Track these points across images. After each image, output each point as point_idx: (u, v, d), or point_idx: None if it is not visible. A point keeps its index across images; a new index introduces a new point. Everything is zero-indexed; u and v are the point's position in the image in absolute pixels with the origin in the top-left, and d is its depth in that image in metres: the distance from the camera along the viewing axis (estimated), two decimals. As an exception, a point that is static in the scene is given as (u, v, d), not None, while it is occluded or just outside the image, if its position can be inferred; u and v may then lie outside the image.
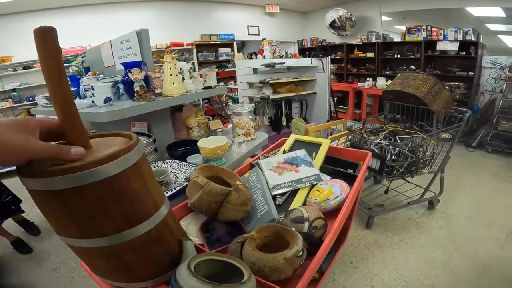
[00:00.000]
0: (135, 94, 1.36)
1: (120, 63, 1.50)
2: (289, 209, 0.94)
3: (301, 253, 0.67)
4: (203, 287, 0.50)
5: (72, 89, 1.78)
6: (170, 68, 1.40)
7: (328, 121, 3.31)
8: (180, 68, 1.62)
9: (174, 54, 1.43)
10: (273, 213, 0.87)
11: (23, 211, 2.31)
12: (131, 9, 5.10)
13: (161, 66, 1.53)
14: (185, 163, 1.28)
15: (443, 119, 2.08)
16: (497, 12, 3.91)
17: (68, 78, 0.52)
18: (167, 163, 1.31)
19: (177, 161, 1.30)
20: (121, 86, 1.57)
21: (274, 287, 0.62)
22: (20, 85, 4.58)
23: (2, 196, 2.11)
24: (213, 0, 5.68)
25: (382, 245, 1.96)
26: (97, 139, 0.57)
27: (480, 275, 1.66)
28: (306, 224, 0.80)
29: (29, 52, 4.52)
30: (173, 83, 1.41)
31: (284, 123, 3.38)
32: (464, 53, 4.10)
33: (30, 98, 4.64)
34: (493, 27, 4.14)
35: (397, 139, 2.01)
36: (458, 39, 4.09)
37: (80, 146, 0.49)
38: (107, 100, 1.30)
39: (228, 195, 0.82)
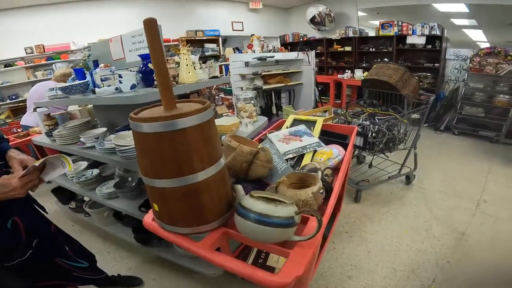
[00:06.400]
0: (156, 82, 1.55)
1: (138, 55, 1.67)
2: (302, 165, 1.20)
3: (322, 190, 0.90)
4: (267, 206, 0.68)
5: (79, 81, 1.91)
6: (186, 59, 1.60)
7: (314, 108, 3.62)
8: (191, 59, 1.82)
9: (188, 47, 1.63)
10: (291, 169, 1.13)
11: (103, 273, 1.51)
12: (113, 7, 5.08)
13: (172, 57, 1.73)
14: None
15: (413, 103, 2.44)
16: (461, 7, 4.35)
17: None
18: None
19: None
20: (138, 76, 1.74)
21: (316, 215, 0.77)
22: (1, 83, 4.45)
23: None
24: (199, -4, 5.80)
25: (371, 216, 2.20)
26: (178, 104, 0.78)
27: (458, 240, 1.90)
28: (319, 173, 1.06)
29: (10, 50, 4.42)
30: (189, 72, 1.61)
31: (274, 111, 3.65)
32: (430, 46, 4.56)
33: (13, 97, 4.52)
34: (457, 21, 4.61)
35: (376, 119, 2.35)
36: (425, 34, 4.53)
37: (170, 104, 0.72)
38: (133, 87, 1.49)
39: (256, 154, 1.05)
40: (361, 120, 2.38)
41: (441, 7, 4.59)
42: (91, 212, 2.04)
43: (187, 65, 1.58)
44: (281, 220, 0.67)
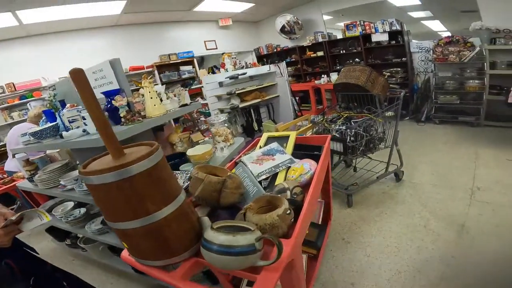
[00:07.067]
0: (123, 119, 1.53)
1: (101, 93, 1.65)
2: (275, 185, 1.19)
3: (289, 211, 0.91)
4: (226, 237, 0.72)
5: (50, 124, 1.87)
6: (149, 92, 1.58)
7: (294, 119, 3.65)
8: (156, 91, 1.80)
9: (150, 78, 1.62)
10: (262, 191, 1.11)
11: None
12: (82, 37, 5.02)
13: (138, 90, 1.72)
14: (179, 171, 1.48)
15: (385, 101, 2.48)
16: (413, 0, 4.54)
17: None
18: (163, 174, 1.50)
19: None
20: (105, 114, 1.71)
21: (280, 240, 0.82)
22: (-23, 128, 4.30)
23: None
24: (166, 21, 5.81)
25: (366, 219, 2.17)
26: (126, 149, 0.79)
27: (459, 233, 1.84)
28: (288, 193, 1.05)
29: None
30: (155, 105, 1.60)
31: (256, 127, 3.66)
32: (394, 42, 4.71)
33: (-6, 141, 4.36)
34: (414, 14, 4.78)
35: (352, 123, 2.37)
36: (387, 30, 4.68)
37: (117, 153, 0.73)
38: (99, 128, 1.45)
39: (224, 182, 1.05)
40: (338, 125, 2.40)
41: (396, 2, 4.74)
42: (86, 248, 2.10)
43: (151, 97, 1.57)
44: (241, 249, 0.71)
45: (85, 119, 1.47)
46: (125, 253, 0.92)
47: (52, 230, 2.38)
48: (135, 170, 0.68)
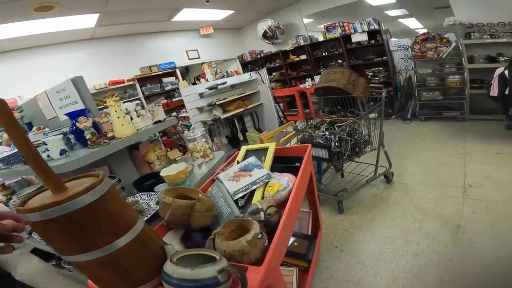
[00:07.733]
0: (88, 141, 1.43)
1: (64, 114, 1.54)
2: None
3: (260, 235, 0.83)
4: (184, 270, 0.67)
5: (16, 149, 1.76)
6: (116, 111, 1.49)
7: (280, 126, 3.59)
8: (126, 109, 1.71)
9: (115, 97, 1.53)
10: (235, 212, 1.04)
11: None
12: (59, 52, 4.84)
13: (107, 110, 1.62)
14: (154, 193, 1.39)
15: (367, 102, 2.44)
16: None
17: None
18: (137, 196, 1.40)
19: (146, 192, 1.40)
20: (71, 136, 1.61)
21: (247, 266, 0.78)
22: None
23: None
24: (145, 32, 5.70)
25: (358, 225, 2.10)
26: (71, 182, 0.71)
27: (454, 234, 1.78)
28: (262, 214, 0.97)
29: None
30: (123, 125, 1.50)
31: (241, 138, 3.55)
32: (373, 41, 4.73)
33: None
34: (391, 13, 4.83)
35: (335, 127, 2.31)
36: (365, 30, 4.70)
37: (56, 188, 0.66)
38: (62, 152, 1.36)
39: (193, 206, 0.96)
40: (321, 131, 2.33)
41: (372, 1, 4.78)
42: (70, 268, 2.05)
43: (118, 117, 1.48)
44: (202, 283, 0.67)
45: (46, 144, 1.36)
46: (91, 282, 0.85)
47: (37, 251, 2.34)
48: (74, 205, 0.61)
